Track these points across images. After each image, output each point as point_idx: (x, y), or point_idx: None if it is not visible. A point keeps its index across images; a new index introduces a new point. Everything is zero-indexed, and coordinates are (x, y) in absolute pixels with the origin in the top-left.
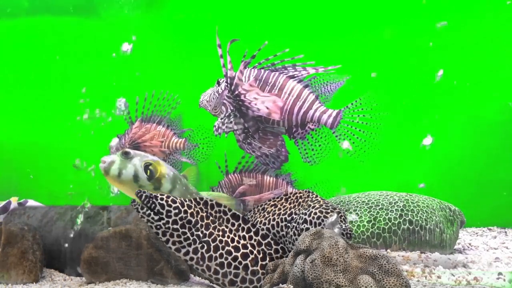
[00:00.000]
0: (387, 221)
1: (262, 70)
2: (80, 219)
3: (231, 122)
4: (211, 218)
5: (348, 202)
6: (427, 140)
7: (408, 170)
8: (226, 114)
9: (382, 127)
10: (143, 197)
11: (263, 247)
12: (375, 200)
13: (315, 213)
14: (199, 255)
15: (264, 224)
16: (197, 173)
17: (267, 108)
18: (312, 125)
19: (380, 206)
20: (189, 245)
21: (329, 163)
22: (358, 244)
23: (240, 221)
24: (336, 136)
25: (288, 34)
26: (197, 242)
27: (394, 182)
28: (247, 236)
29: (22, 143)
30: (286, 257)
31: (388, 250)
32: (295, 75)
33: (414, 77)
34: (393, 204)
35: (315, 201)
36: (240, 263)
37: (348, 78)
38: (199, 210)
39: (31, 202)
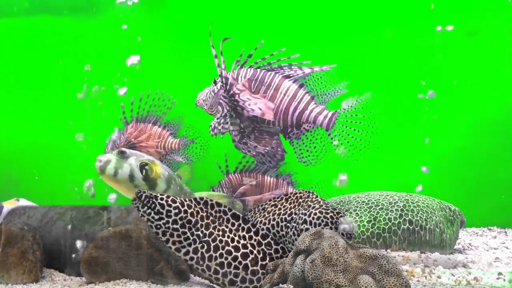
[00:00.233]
0: (387, 221)
1: (258, 70)
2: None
3: (227, 123)
4: (211, 218)
5: (348, 202)
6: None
7: (408, 170)
8: (222, 114)
9: (377, 128)
10: (143, 197)
11: (263, 247)
12: (375, 200)
13: (315, 214)
14: (199, 255)
15: (264, 224)
16: (191, 173)
17: (260, 108)
18: (308, 125)
19: (380, 206)
20: (189, 245)
21: (329, 164)
22: (358, 244)
23: (240, 221)
24: (331, 138)
25: (285, 34)
26: (197, 242)
27: (394, 182)
28: (247, 236)
29: (22, 143)
30: (286, 257)
31: (388, 250)
32: (291, 75)
33: (414, 78)
34: (393, 204)
35: (315, 202)
36: (240, 263)
37: (347, 83)
38: (199, 210)
39: (22, 201)
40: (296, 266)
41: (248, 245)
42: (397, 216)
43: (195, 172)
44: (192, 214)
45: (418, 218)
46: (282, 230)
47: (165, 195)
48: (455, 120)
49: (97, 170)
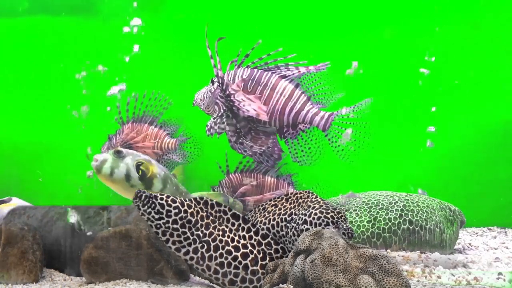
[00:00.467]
0: (387, 221)
1: (255, 70)
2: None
3: (223, 123)
4: (211, 217)
5: (348, 202)
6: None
7: (408, 170)
8: (219, 114)
9: (374, 130)
10: (143, 197)
11: (263, 247)
12: (375, 200)
13: (315, 214)
14: (199, 254)
15: (264, 224)
16: (182, 173)
17: (254, 109)
18: (304, 126)
19: (380, 206)
20: (189, 244)
21: (330, 164)
22: (358, 244)
23: (240, 221)
24: (329, 139)
25: (283, 34)
26: (197, 242)
27: (394, 182)
28: (247, 236)
29: (22, 142)
30: (286, 257)
31: (388, 250)
32: (288, 75)
33: (414, 78)
34: (393, 204)
35: (315, 202)
36: (240, 262)
37: (342, 94)
38: (199, 210)
39: (14, 200)
40: (296, 266)
41: (248, 245)
42: (397, 216)
43: (195, 172)
44: (192, 214)
45: (418, 218)
46: (282, 230)
47: (165, 195)
48: (455, 120)
49: (93, 170)
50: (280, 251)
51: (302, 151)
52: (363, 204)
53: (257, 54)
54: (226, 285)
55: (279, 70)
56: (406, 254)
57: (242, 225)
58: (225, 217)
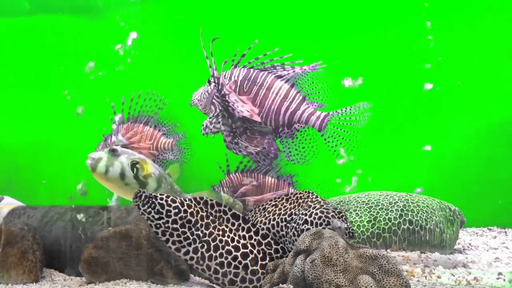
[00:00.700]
0: (387, 221)
1: (251, 70)
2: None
3: (218, 123)
4: (211, 217)
5: (348, 202)
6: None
7: (408, 171)
8: (215, 114)
9: (369, 130)
10: (143, 196)
11: (263, 246)
12: (375, 200)
13: (316, 214)
14: (199, 254)
15: (265, 224)
16: (179, 172)
17: (247, 110)
18: (299, 125)
19: (380, 206)
20: (189, 244)
21: (330, 164)
22: (358, 244)
23: (240, 221)
24: (325, 139)
25: (279, 33)
26: (197, 242)
27: (394, 183)
28: (247, 235)
29: (21, 142)
30: (286, 257)
31: (388, 250)
32: (283, 75)
33: (414, 78)
34: (393, 204)
35: (316, 202)
36: (240, 262)
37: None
38: (199, 210)
39: (6, 199)
40: (296, 266)
41: (248, 245)
42: (397, 216)
43: (195, 172)
44: (192, 214)
45: (418, 218)
46: (282, 230)
47: (165, 195)
48: (455, 120)
49: (88, 168)
50: (280, 251)
51: (296, 149)
52: (363, 204)
53: (254, 54)
54: (226, 285)
55: (275, 70)
56: (406, 254)
57: (242, 225)
58: (225, 217)
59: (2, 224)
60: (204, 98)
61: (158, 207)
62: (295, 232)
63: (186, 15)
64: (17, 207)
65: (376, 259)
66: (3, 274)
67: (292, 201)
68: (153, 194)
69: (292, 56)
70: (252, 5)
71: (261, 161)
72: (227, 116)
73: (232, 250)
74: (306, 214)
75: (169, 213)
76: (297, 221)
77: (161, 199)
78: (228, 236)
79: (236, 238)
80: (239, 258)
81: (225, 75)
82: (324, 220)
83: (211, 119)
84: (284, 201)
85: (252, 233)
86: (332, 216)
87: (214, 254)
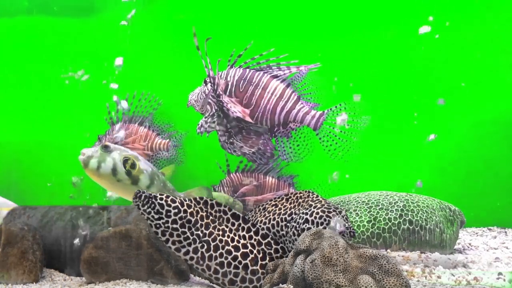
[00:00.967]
0: (387, 221)
1: (247, 70)
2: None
3: (213, 122)
4: (211, 217)
5: (348, 202)
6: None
7: (408, 170)
8: (210, 114)
9: (364, 129)
10: (142, 197)
11: (263, 246)
12: (375, 200)
13: (317, 213)
14: (199, 254)
15: (265, 223)
16: (173, 171)
17: (239, 111)
18: (294, 124)
19: (380, 206)
20: (189, 244)
21: (330, 165)
22: (358, 244)
23: (240, 221)
24: (319, 138)
25: (276, 34)
26: (197, 242)
27: (394, 182)
28: (247, 235)
29: (21, 142)
30: (286, 257)
31: (388, 250)
32: (279, 75)
33: (414, 78)
34: (393, 204)
35: (316, 201)
36: (240, 262)
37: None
38: (199, 210)
39: (0, 200)
40: (296, 266)
41: (248, 244)
42: (397, 216)
43: (195, 172)
44: (191, 214)
45: (418, 218)
46: (282, 230)
47: (165, 195)
48: (455, 120)
49: (80, 164)
50: (280, 251)
51: (290, 148)
52: (363, 204)
53: (250, 54)
54: (226, 285)
55: (270, 70)
56: (406, 254)
57: (242, 225)
58: (225, 217)
59: (2, 224)
60: (201, 98)
61: (158, 207)
62: (295, 231)
63: (184, 16)
64: (17, 207)
65: (376, 259)
66: (3, 274)
67: (292, 200)
68: (152, 194)
69: (288, 56)
70: (249, 5)
71: (257, 160)
72: (222, 116)
73: (232, 250)
74: (307, 214)
75: (168, 213)
76: (298, 220)
77: (161, 199)
78: (228, 236)
79: (236, 238)
80: (239, 258)
81: (221, 75)
82: (325, 220)
83: (206, 119)
84: (284, 201)
85: (252, 233)
86: (333, 215)
87: (214, 254)
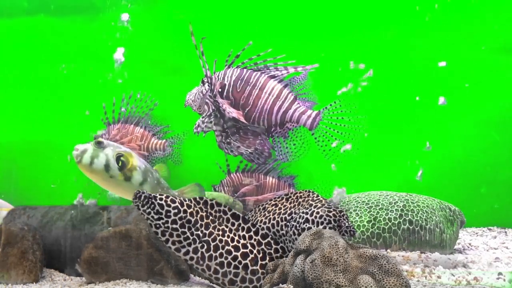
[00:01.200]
0: (387, 221)
1: (245, 70)
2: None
3: (210, 122)
4: (210, 217)
5: (348, 202)
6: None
7: (408, 170)
8: (207, 114)
9: (361, 128)
10: (142, 197)
11: (263, 246)
12: (375, 200)
13: (318, 213)
14: (199, 254)
15: (264, 223)
16: (167, 170)
17: (234, 111)
18: (291, 124)
19: (380, 206)
20: (189, 244)
21: (331, 164)
22: (358, 244)
23: (240, 221)
24: (315, 138)
25: (274, 34)
26: (197, 242)
27: (394, 182)
28: (247, 235)
29: (21, 142)
30: (286, 257)
31: (388, 250)
32: (276, 75)
33: (414, 78)
34: (393, 204)
35: (317, 201)
36: (240, 262)
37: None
38: (199, 210)
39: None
40: (296, 266)
41: (248, 244)
42: (397, 216)
43: (196, 172)
44: (191, 214)
45: (418, 218)
46: (282, 230)
47: (164, 195)
48: (455, 120)
49: (74, 159)
50: (280, 251)
51: (286, 147)
52: (363, 204)
53: (248, 55)
54: (226, 285)
55: (268, 70)
56: (406, 254)
57: (242, 225)
58: (225, 217)
59: (2, 224)
60: (198, 98)
61: (157, 207)
62: (295, 231)
63: (183, 16)
64: (16, 207)
65: (376, 259)
66: (3, 274)
67: (292, 200)
68: (152, 194)
69: (287, 56)
70: (247, 5)
71: (254, 160)
72: (219, 116)
73: (232, 250)
74: (307, 213)
75: (168, 213)
76: (298, 220)
77: (161, 199)
78: (228, 236)
79: (236, 238)
80: (239, 258)
81: (218, 75)
82: (325, 219)
83: (203, 119)
84: (284, 200)
85: (252, 233)
86: (334, 215)
87: (214, 254)
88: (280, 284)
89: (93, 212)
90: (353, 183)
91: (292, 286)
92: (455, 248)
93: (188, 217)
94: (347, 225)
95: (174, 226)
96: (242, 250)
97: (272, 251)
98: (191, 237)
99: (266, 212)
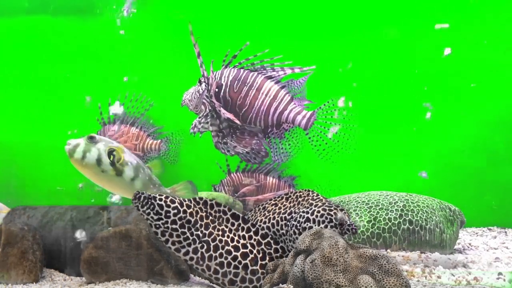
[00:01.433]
0: (387, 221)
1: (242, 70)
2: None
3: (207, 122)
4: (210, 217)
5: (348, 202)
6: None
7: (408, 170)
8: (204, 114)
9: (355, 128)
10: (142, 197)
11: (262, 246)
12: (375, 200)
13: (318, 211)
14: (199, 254)
15: (264, 223)
16: (162, 167)
17: (227, 113)
18: (287, 125)
19: (380, 206)
20: (189, 245)
21: (331, 165)
22: (358, 244)
23: (240, 221)
24: (309, 138)
25: (272, 34)
26: (197, 242)
27: (394, 182)
28: (246, 235)
29: (21, 143)
30: (286, 257)
31: (388, 250)
32: (273, 76)
33: (414, 78)
34: (393, 204)
35: (317, 200)
36: (239, 262)
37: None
38: (199, 210)
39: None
40: (296, 266)
41: (248, 244)
42: (397, 216)
43: (196, 172)
44: (191, 214)
45: (418, 218)
46: (282, 229)
47: (164, 195)
48: (455, 120)
49: (66, 153)
50: (280, 250)
51: (282, 148)
52: (363, 204)
53: (245, 55)
54: (226, 285)
55: (265, 71)
56: (406, 254)
57: (242, 225)
58: (225, 217)
59: (2, 224)
60: (195, 98)
61: (157, 208)
62: (295, 230)
63: (181, 16)
64: (16, 207)
65: (376, 259)
66: (3, 274)
67: (292, 200)
68: (152, 195)
69: (285, 57)
70: (245, 6)
71: (251, 160)
72: (215, 116)
73: (232, 250)
74: (308, 212)
75: (168, 214)
76: (298, 219)
77: (160, 200)
78: (228, 236)
79: (236, 238)
80: (239, 258)
81: (215, 75)
82: (326, 218)
83: (200, 119)
84: (284, 200)
85: (251, 233)
86: (335, 213)
87: (214, 254)
88: (280, 284)
89: (93, 212)
90: (353, 183)
91: (292, 286)
92: (455, 248)
93: (188, 217)
94: (348, 222)
95: (174, 226)
96: (242, 250)
97: (272, 251)
98: (191, 237)
99: (266, 212)
